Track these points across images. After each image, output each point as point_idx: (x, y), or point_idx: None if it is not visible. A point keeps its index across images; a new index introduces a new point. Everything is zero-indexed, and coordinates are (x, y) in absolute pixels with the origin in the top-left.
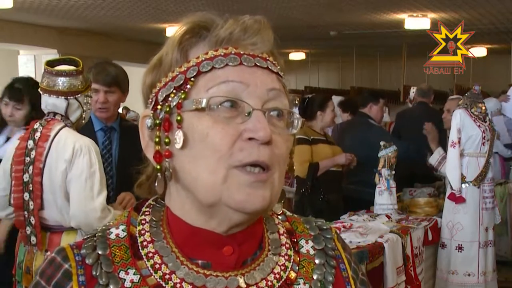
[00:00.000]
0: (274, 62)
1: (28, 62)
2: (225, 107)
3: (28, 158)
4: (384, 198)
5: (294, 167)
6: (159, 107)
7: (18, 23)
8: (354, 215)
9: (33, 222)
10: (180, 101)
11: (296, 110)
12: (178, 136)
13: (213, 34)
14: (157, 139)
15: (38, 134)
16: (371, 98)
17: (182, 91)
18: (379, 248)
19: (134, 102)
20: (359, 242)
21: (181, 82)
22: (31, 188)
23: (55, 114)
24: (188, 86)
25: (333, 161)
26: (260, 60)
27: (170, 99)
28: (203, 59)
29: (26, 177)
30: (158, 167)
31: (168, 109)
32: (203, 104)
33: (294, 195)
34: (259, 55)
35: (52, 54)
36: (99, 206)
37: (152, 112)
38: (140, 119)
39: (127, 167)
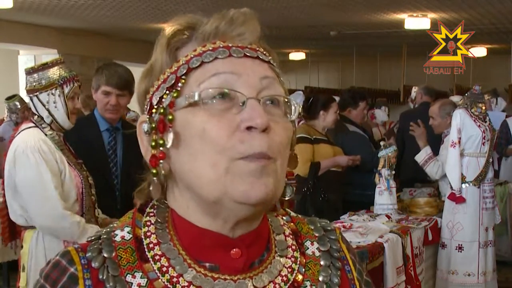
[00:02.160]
0: (264, 52)
1: (28, 62)
2: (218, 98)
3: None
4: (384, 198)
5: (298, 160)
6: (154, 110)
7: (18, 23)
8: (354, 215)
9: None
10: (172, 100)
11: (291, 97)
12: (169, 136)
13: (199, 31)
14: (153, 143)
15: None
16: (350, 102)
17: (175, 90)
18: (379, 248)
19: (134, 102)
20: (359, 242)
21: (173, 81)
22: None
23: (34, 115)
24: (180, 84)
25: (334, 161)
26: (249, 51)
27: (163, 100)
28: (192, 56)
29: None
30: (154, 171)
31: (162, 110)
32: (196, 98)
33: (295, 195)
34: (248, 46)
35: (52, 54)
36: (56, 203)
37: (148, 116)
38: (138, 126)
39: (131, 167)
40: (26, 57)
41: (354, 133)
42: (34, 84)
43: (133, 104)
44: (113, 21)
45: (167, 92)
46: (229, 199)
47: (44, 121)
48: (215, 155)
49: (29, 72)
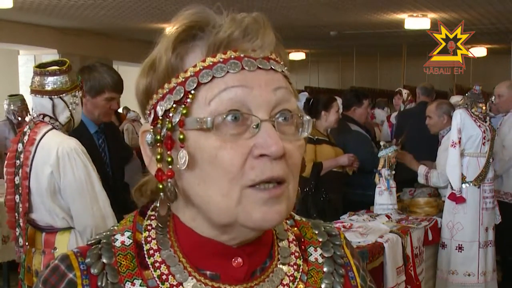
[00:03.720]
0: (277, 59)
1: (28, 62)
2: (230, 121)
3: (18, 161)
4: (384, 198)
5: (305, 167)
6: (159, 121)
7: (18, 23)
8: (354, 215)
9: (21, 224)
10: (182, 119)
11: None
12: (181, 156)
13: (210, 37)
14: (158, 156)
15: (26, 138)
16: (355, 101)
17: (183, 106)
18: (379, 248)
19: (134, 102)
20: (359, 242)
21: (181, 95)
22: (20, 191)
23: (44, 116)
24: (189, 100)
25: (336, 161)
26: (262, 62)
27: (170, 114)
28: (201, 67)
29: (17, 180)
30: (161, 186)
31: (170, 126)
32: (209, 124)
33: (296, 199)
34: (260, 56)
35: (52, 54)
36: (106, 202)
37: (152, 127)
38: (140, 134)
39: (119, 165)
40: (26, 57)
41: (356, 133)
42: (61, 85)
43: (133, 104)
44: (113, 21)
45: (174, 105)
46: (240, 225)
47: (60, 122)
48: (227, 183)
49: (56, 73)
